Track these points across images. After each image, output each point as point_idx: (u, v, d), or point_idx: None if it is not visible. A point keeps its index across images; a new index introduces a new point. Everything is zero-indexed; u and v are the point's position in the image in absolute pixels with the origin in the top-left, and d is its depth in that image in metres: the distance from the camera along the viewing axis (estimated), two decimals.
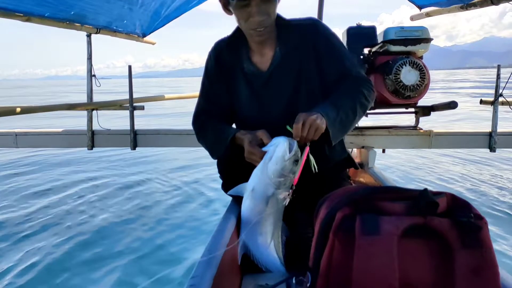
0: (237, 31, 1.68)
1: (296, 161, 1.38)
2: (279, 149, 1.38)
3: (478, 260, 0.96)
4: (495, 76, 2.65)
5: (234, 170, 1.67)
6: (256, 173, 1.45)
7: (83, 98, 3.30)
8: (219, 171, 1.80)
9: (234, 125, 1.84)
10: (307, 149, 1.41)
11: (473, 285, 0.94)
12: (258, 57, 1.68)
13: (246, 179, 1.48)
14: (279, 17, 1.63)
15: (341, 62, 1.65)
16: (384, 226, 0.99)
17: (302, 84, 1.67)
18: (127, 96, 3.08)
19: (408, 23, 3.63)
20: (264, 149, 1.45)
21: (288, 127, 1.42)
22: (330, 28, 1.69)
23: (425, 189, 1.07)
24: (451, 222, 0.99)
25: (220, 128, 1.70)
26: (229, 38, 1.72)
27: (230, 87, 1.73)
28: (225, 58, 1.72)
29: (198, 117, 1.80)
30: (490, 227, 1.03)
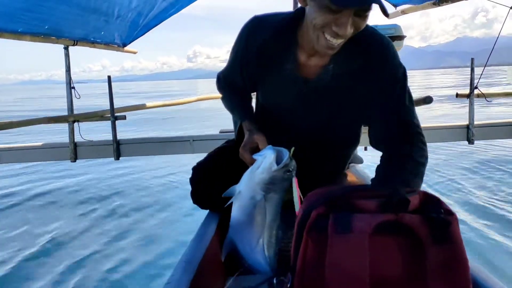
0: (293, 19, 1.41)
1: (288, 171, 1.36)
2: (266, 161, 1.37)
3: (448, 254, 0.98)
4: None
5: (209, 181, 1.66)
6: (244, 178, 1.45)
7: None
8: (192, 180, 1.71)
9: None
10: (296, 180, 1.39)
11: (443, 279, 0.97)
12: (305, 58, 1.44)
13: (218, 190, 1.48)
14: None
15: (397, 112, 1.42)
16: (356, 223, 1.01)
17: (340, 112, 1.53)
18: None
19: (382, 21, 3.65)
20: (254, 156, 1.43)
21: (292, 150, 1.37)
22: (398, 56, 1.44)
23: (397, 187, 1.09)
24: (421, 218, 1.02)
25: (237, 104, 1.68)
26: (279, 25, 1.43)
27: (260, 72, 1.55)
28: (265, 39, 1.46)
29: (222, 79, 1.74)
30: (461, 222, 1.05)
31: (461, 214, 3.32)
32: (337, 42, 1.23)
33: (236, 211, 1.46)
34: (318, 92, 1.47)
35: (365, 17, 1.21)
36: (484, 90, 2.79)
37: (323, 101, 1.50)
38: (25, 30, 2.36)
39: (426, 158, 1.39)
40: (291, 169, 1.38)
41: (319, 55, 1.39)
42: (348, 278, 0.96)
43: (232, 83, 1.68)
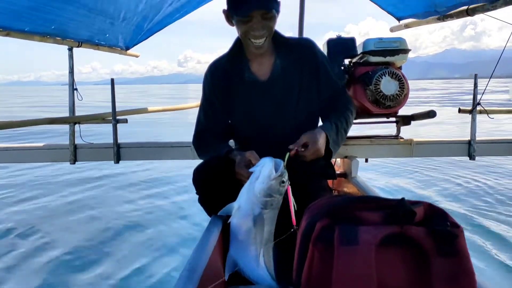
0: (237, 43, 1.83)
1: (282, 182, 1.43)
2: (265, 169, 1.43)
3: (454, 268, 0.98)
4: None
5: (212, 185, 1.71)
6: (243, 192, 1.50)
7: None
8: (196, 186, 1.78)
9: (232, 140, 2.02)
10: (289, 188, 1.46)
11: None
12: (257, 67, 1.83)
13: (223, 194, 1.58)
14: (276, 33, 1.79)
15: (334, 82, 1.89)
16: (362, 235, 1.00)
17: (301, 95, 1.82)
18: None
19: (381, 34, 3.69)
20: (251, 169, 1.51)
21: (287, 155, 1.51)
22: (322, 50, 1.92)
23: (402, 199, 1.09)
24: (427, 230, 1.01)
25: (217, 147, 1.82)
26: (229, 50, 1.86)
27: (229, 98, 1.86)
28: (222, 74, 1.85)
29: (198, 136, 1.97)
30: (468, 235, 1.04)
31: None
32: (260, 41, 1.69)
33: (236, 228, 1.50)
34: (276, 87, 1.81)
35: (270, 18, 1.66)
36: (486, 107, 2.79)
37: (282, 94, 1.81)
38: (31, 30, 2.35)
39: (351, 104, 1.89)
40: (285, 180, 1.44)
41: (265, 57, 1.81)
42: None
43: (209, 130, 1.92)
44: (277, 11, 1.67)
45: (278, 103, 1.82)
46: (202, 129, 1.96)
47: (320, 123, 1.94)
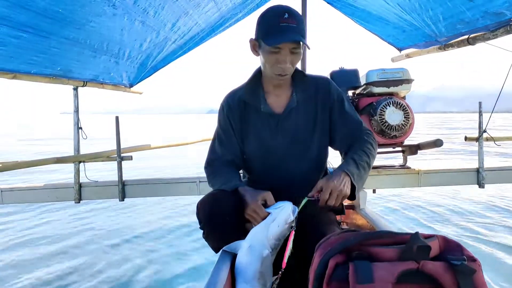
0: (255, 75, 1.85)
1: (291, 227, 1.46)
2: (284, 212, 1.46)
3: None
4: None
5: (217, 219, 1.66)
6: (256, 231, 1.49)
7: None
8: (200, 219, 1.72)
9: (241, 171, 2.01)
10: (292, 232, 1.46)
11: None
12: (274, 99, 1.83)
13: (228, 229, 1.58)
14: (296, 68, 1.80)
15: (351, 119, 1.86)
16: (378, 273, 0.97)
17: (314, 131, 1.83)
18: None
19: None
20: (268, 210, 1.52)
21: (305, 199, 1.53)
22: (338, 88, 1.91)
23: (416, 233, 1.06)
24: (445, 265, 0.98)
25: (228, 177, 1.80)
26: (248, 81, 1.87)
27: (243, 129, 1.86)
28: (238, 104, 1.85)
29: (211, 163, 1.93)
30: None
31: None
32: (284, 74, 1.68)
33: (244, 268, 1.46)
34: (291, 120, 1.81)
35: (297, 53, 1.66)
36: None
37: (296, 128, 1.81)
38: (37, 72, 2.38)
39: (370, 136, 1.83)
40: (293, 225, 1.47)
41: (282, 90, 1.82)
42: None
43: (222, 158, 1.90)
44: (304, 48, 1.69)
45: (291, 137, 1.82)
46: (215, 157, 1.93)
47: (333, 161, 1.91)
